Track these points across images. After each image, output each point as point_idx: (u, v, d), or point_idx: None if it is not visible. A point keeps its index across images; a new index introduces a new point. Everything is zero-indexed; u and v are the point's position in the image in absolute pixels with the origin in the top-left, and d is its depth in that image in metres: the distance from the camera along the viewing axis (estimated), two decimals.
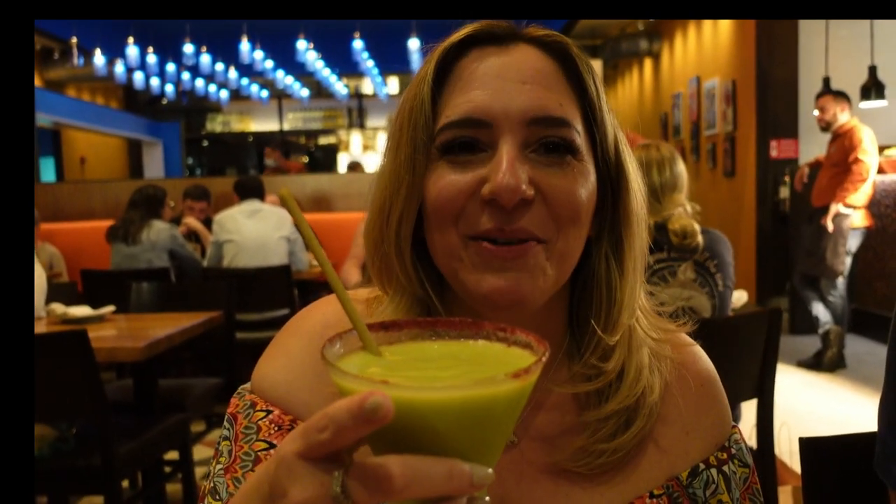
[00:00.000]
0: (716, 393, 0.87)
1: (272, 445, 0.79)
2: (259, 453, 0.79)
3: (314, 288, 5.84)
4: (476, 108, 0.74)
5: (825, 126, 5.87)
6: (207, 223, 5.93)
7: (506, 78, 0.75)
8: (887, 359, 1.10)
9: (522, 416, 0.80)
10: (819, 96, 6.09)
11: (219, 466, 0.81)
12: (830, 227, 5.66)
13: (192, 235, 6.01)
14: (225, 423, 0.84)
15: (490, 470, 0.48)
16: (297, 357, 0.83)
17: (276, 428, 0.80)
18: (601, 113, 0.78)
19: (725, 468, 0.84)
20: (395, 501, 0.46)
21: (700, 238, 2.61)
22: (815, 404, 5.02)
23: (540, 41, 0.79)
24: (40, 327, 3.12)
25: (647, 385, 0.80)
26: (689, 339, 0.89)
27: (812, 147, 7.31)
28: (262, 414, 0.81)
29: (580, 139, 0.76)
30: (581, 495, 0.80)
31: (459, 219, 0.75)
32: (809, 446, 1.16)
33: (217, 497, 0.79)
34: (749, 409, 2.82)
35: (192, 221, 6.04)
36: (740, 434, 0.88)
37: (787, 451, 3.60)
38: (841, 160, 5.72)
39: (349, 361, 0.53)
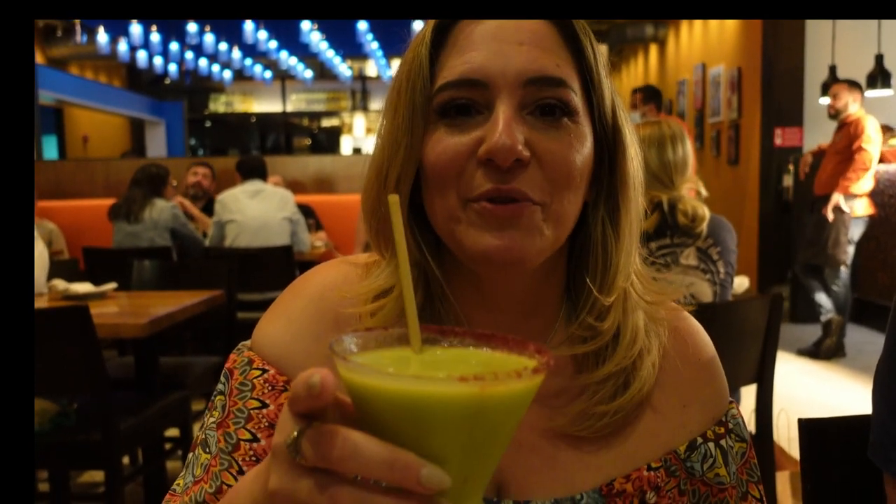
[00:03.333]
0: (713, 368, 0.88)
1: (265, 405, 0.80)
2: (252, 411, 0.80)
3: None
4: (473, 69, 0.75)
5: (834, 113, 5.83)
6: (210, 204, 5.91)
7: (503, 39, 0.75)
8: (886, 342, 1.10)
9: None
10: (832, 84, 6.03)
11: (211, 420, 0.82)
12: (831, 216, 5.66)
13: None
14: (221, 377, 0.84)
15: (446, 476, 0.46)
16: (297, 319, 0.84)
17: (269, 388, 0.81)
18: (598, 76, 0.78)
19: (723, 442, 0.85)
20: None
21: (705, 226, 2.60)
22: (814, 392, 5.03)
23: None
24: (42, 303, 3.12)
25: (644, 346, 0.81)
26: (684, 311, 0.90)
27: (816, 136, 7.28)
28: (258, 372, 0.82)
29: (577, 99, 0.76)
30: (578, 466, 0.80)
31: (458, 181, 0.75)
32: (808, 427, 1.16)
33: (207, 450, 0.80)
34: (748, 394, 2.83)
35: (185, 202, 5.99)
36: (737, 409, 0.89)
37: (786, 438, 3.61)
38: (844, 148, 5.70)
39: (377, 354, 0.54)
